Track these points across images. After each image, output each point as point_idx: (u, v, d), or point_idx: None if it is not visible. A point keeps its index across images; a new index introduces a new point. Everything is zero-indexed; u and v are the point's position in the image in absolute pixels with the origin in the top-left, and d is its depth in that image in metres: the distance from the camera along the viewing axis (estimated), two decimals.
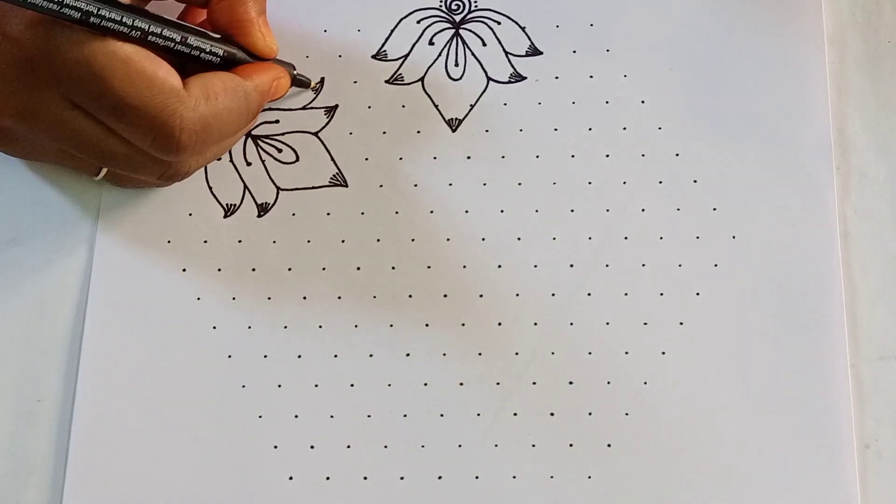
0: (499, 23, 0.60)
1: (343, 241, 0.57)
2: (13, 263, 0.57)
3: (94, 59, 0.49)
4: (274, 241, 0.57)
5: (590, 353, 0.54)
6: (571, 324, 0.55)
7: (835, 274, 0.55)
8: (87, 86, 0.50)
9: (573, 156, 0.57)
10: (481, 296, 0.55)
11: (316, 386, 0.54)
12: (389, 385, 0.54)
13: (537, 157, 0.57)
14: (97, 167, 0.55)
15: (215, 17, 0.55)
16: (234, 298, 0.56)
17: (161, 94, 0.50)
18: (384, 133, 0.58)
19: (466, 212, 0.57)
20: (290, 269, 0.56)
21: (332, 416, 0.54)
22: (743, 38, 0.58)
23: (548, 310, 0.55)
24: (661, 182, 0.57)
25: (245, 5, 0.55)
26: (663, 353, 0.54)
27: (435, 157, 0.58)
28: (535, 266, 0.56)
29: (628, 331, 0.54)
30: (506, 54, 0.60)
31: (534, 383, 0.54)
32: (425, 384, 0.54)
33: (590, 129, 0.58)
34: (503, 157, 0.58)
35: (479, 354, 0.55)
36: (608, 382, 0.54)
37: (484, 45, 0.60)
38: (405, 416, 0.54)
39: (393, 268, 0.56)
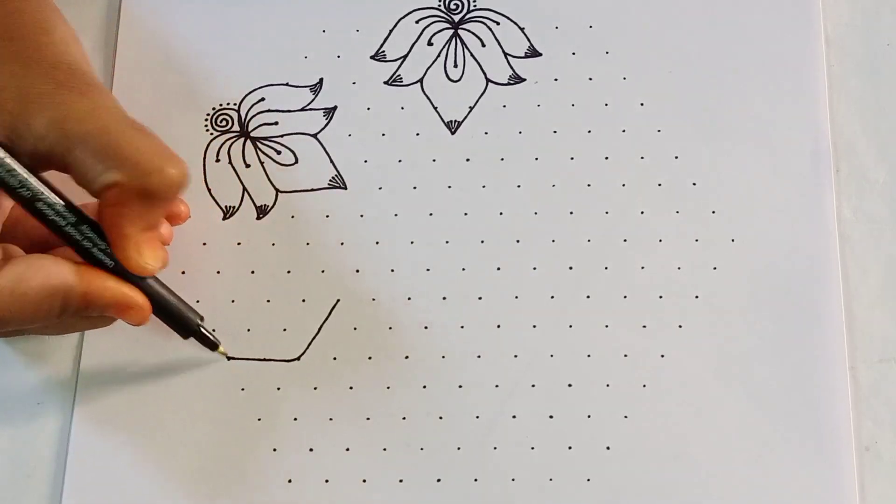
0: (498, 23, 0.60)
1: (342, 244, 0.56)
2: None
3: None
4: (273, 244, 0.57)
5: (589, 356, 0.54)
6: (570, 326, 0.55)
7: (834, 276, 0.55)
8: None
9: (572, 158, 0.57)
10: (480, 298, 0.55)
11: (315, 389, 0.54)
12: (388, 388, 0.54)
13: (536, 159, 0.57)
14: None
15: (101, 220, 0.50)
16: (233, 301, 0.56)
17: None
18: (383, 135, 0.58)
19: (465, 214, 0.57)
20: (288, 272, 0.56)
21: (330, 420, 0.54)
22: (742, 40, 0.58)
23: (547, 312, 0.55)
24: (660, 184, 0.56)
25: (126, 219, 0.49)
26: (662, 355, 0.54)
27: (434, 160, 0.58)
28: (535, 268, 0.56)
29: (627, 333, 0.54)
30: (505, 56, 0.59)
31: (533, 386, 0.54)
32: (424, 387, 0.54)
33: (589, 131, 0.58)
34: (502, 159, 0.58)
35: (478, 357, 0.55)
36: (607, 385, 0.54)
37: (483, 45, 0.60)
38: (404, 418, 0.54)
39: (392, 270, 0.56)
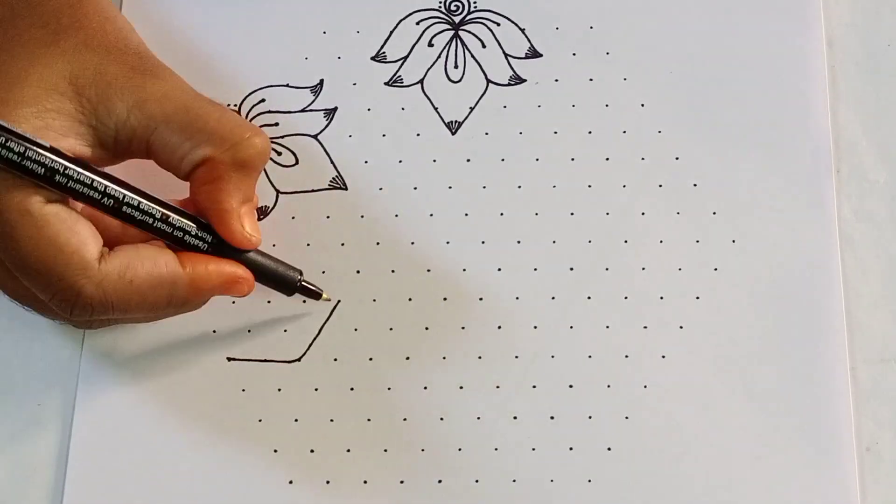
0: (498, 24, 0.60)
1: (342, 245, 0.56)
2: None
3: (6, 215, 0.47)
4: (273, 245, 0.56)
5: (590, 357, 0.54)
6: (571, 327, 0.55)
7: (834, 277, 0.55)
8: None
9: (573, 159, 0.57)
10: (481, 299, 0.55)
11: (316, 390, 0.54)
12: (389, 389, 0.54)
13: (537, 160, 0.57)
14: None
15: (197, 199, 0.51)
16: (233, 302, 0.56)
17: (65, 264, 0.48)
18: (384, 136, 0.58)
19: (466, 215, 0.57)
20: None
21: (331, 420, 0.54)
22: (743, 41, 0.58)
23: (548, 313, 0.55)
24: (660, 185, 0.56)
25: (225, 192, 0.51)
26: (663, 356, 0.54)
27: (434, 160, 0.58)
28: (535, 269, 0.56)
29: (628, 334, 0.54)
30: (505, 56, 0.60)
31: (534, 387, 0.54)
32: (425, 388, 0.54)
33: (589, 132, 0.58)
34: (503, 159, 0.58)
35: (479, 358, 0.54)
36: (608, 386, 0.54)
37: (483, 46, 0.60)
38: (405, 419, 0.54)
39: (392, 271, 0.56)
